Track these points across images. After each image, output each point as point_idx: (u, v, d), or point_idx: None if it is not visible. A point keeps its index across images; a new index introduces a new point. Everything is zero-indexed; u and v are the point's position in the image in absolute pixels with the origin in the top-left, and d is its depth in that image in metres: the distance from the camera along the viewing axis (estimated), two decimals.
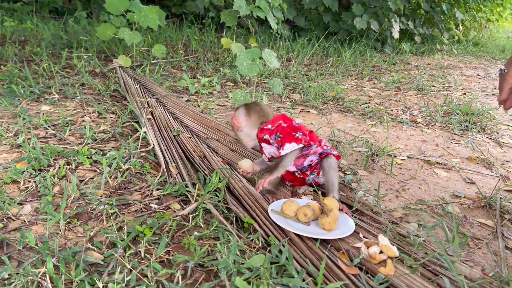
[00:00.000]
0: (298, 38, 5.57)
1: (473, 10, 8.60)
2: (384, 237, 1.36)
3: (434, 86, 4.20)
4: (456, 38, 7.87)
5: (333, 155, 1.67)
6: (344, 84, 3.90)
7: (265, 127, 1.66)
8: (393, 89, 3.88)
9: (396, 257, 1.31)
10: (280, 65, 4.27)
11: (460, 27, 8.14)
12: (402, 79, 4.32)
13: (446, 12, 7.04)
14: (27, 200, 1.52)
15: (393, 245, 1.34)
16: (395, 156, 2.24)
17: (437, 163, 2.22)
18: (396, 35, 6.05)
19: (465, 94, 4.00)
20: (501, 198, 1.83)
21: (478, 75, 5.25)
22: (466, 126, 2.86)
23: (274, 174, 1.59)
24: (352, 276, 1.20)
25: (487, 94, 4.11)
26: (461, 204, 1.81)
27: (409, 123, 2.86)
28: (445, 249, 1.42)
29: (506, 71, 1.23)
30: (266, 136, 1.64)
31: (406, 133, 2.69)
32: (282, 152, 1.59)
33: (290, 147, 1.58)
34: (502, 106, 1.30)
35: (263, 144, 1.69)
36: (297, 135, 1.60)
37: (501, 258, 1.44)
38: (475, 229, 1.63)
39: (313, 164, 1.70)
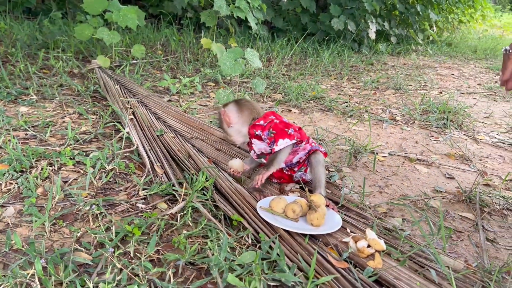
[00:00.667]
0: (277, 39, 5.61)
1: (445, 12, 8.82)
2: (371, 231, 1.38)
3: (411, 85, 4.28)
4: (431, 38, 8.06)
5: (321, 151, 1.69)
6: (324, 84, 3.95)
7: (257, 123, 1.66)
8: (371, 88, 3.95)
9: (383, 251, 1.33)
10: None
11: (434, 28, 8.34)
12: (380, 78, 4.39)
13: (420, 13, 7.19)
14: (10, 202, 1.49)
15: (380, 239, 1.36)
16: (377, 154, 2.28)
17: (417, 159, 2.27)
18: (372, 35, 6.15)
19: (441, 93, 4.09)
20: (480, 192, 1.89)
21: (453, 74, 5.39)
22: (444, 123, 2.93)
23: (270, 170, 1.59)
24: (342, 270, 1.22)
25: (462, 93, 4.22)
26: (442, 198, 1.86)
27: (389, 121, 2.91)
28: (427, 241, 1.46)
29: (511, 51, 1.25)
30: (258, 132, 1.65)
31: (387, 131, 2.74)
32: (276, 148, 1.60)
33: (283, 143, 1.59)
34: (504, 86, 1.33)
35: (253, 140, 1.69)
36: (289, 131, 1.62)
37: (483, 249, 1.49)
38: (457, 223, 1.67)
39: (301, 161, 1.71)
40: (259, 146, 1.69)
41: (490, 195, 1.88)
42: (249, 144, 1.74)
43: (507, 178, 2.07)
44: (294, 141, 1.61)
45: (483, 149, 2.55)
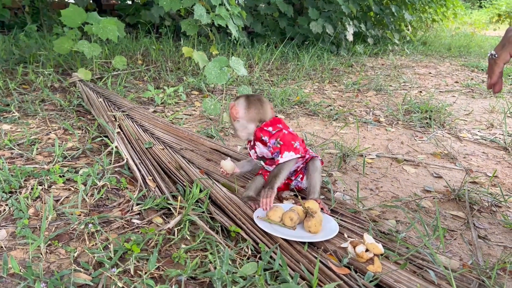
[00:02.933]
0: (256, 44, 5.63)
1: (419, 11, 9.00)
2: (369, 235, 1.40)
3: (392, 86, 4.36)
4: (407, 38, 8.21)
5: (319, 159, 1.71)
6: (306, 88, 3.98)
7: (265, 128, 1.65)
8: (353, 90, 4.00)
9: (382, 254, 1.35)
10: None
11: (409, 27, 8.50)
12: (361, 80, 4.46)
13: (395, 13, 7.33)
14: (1, 225, 1.46)
15: (378, 243, 1.38)
16: (365, 156, 2.31)
17: (405, 160, 2.31)
18: (350, 37, 6.24)
19: (421, 92, 4.18)
20: (468, 190, 1.93)
21: (430, 73, 5.50)
22: (427, 123, 2.99)
23: (275, 189, 1.55)
24: (344, 277, 1.23)
25: (441, 91, 4.31)
26: (433, 198, 1.89)
27: (373, 123, 2.95)
28: (425, 242, 1.49)
29: (496, 55, 1.28)
30: (265, 138, 1.64)
31: (372, 132, 2.78)
32: (281, 160, 1.58)
33: (288, 156, 1.59)
34: (491, 90, 1.35)
35: (258, 143, 1.68)
36: (295, 144, 1.61)
37: (476, 247, 1.52)
38: (449, 221, 1.71)
39: (298, 169, 1.72)
40: (261, 150, 1.68)
41: (478, 193, 1.93)
42: (251, 144, 1.73)
43: (492, 175, 2.12)
44: (298, 156, 1.61)
45: (466, 146, 2.61)
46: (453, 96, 4.11)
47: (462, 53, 7.97)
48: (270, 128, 1.65)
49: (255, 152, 1.72)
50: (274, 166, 1.70)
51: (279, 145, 1.60)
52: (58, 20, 3.66)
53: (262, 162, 1.72)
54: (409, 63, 6.26)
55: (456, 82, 4.91)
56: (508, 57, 1.25)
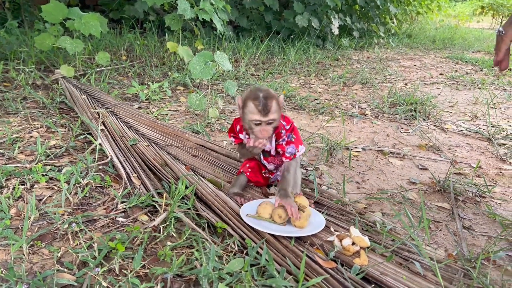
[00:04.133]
0: (242, 39, 5.60)
1: (403, 4, 9.04)
2: (355, 229, 1.40)
3: (377, 79, 4.37)
4: (393, 31, 8.24)
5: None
6: (292, 82, 3.97)
7: (281, 121, 1.62)
8: (339, 84, 4.00)
9: (368, 247, 1.36)
10: None
11: (394, 20, 8.53)
12: (347, 74, 4.46)
13: (380, 6, 7.35)
14: None
15: (364, 236, 1.39)
16: (351, 149, 2.32)
17: (390, 152, 2.32)
18: (335, 31, 6.24)
19: (406, 84, 4.20)
20: (453, 181, 1.95)
21: (415, 65, 5.54)
22: (412, 115, 3.01)
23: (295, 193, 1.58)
24: (331, 270, 1.23)
25: (426, 83, 4.34)
26: (418, 190, 1.91)
27: (359, 116, 2.96)
28: (410, 234, 1.50)
29: (504, 32, 1.28)
30: (283, 131, 1.62)
31: (358, 126, 2.79)
32: (298, 154, 1.61)
33: (302, 149, 1.63)
34: (498, 67, 1.35)
35: (273, 136, 1.65)
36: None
37: (461, 237, 1.54)
38: (434, 213, 1.72)
39: (280, 164, 1.72)
40: (272, 144, 1.67)
41: (462, 184, 1.94)
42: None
43: (476, 166, 2.14)
44: (304, 150, 1.65)
45: (451, 138, 2.63)
46: (438, 88, 4.14)
47: (447, 46, 8.04)
48: (284, 123, 1.62)
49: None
50: (273, 163, 1.70)
51: (293, 139, 1.61)
52: (40, 16, 3.59)
53: (261, 156, 1.71)
54: (395, 56, 6.29)
55: (441, 74, 4.95)
56: None
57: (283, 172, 1.59)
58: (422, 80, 4.48)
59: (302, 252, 1.30)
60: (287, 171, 1.58)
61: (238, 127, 1.67)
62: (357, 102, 3.33)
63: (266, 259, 1.23)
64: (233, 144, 1.77)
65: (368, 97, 3.54)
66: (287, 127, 1.62)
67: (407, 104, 3.21)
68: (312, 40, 6.10)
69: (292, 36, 6.10)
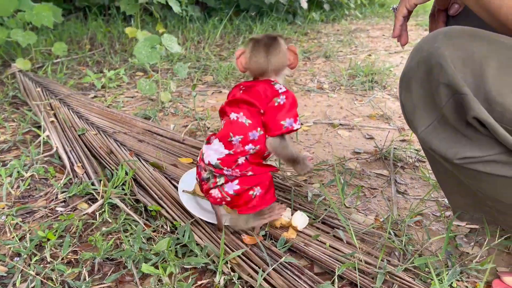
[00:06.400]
0: (209, 19, 5.55)
1: None
2: (288, 210, 1.40)
3: (342, 52, 4.38)
4: (366, 1, 8.20)
5: None
6: None
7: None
8: (302, 59, 4.01)
9: (299, 231, 1.37)
10: (192, 47, 4.25)
11: None
12: (312, 48, 4.46)
13: None
14: None
15: (302, 215, 1.38)
16: (302, 124, 2.34)
17: (340, 124, 2.35)
18: (304, 5, 6.19)
19: (370, 55, 4.21)
20: (395, 148, 1.99)
21: (384, 35, 5.53)
22: (371, 86, 3.03)
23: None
24: (254, 247, 1.27)
25: (391, 53, 4.36)
26: (363, 159, 1.95)
27: (316, 90, 2.98)
28: (343, 201, 1.55)
29: (397, 9, 1.29)
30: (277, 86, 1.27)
31: (314, 100, 2.81)
32: (295, 126, 1.24)
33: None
34: (399, 42, 1.36)
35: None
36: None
37: (393, 202, 1.59)
38: (372, 180, 1.77)
39: None
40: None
41: (404, 150, 1.99)
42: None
43: None
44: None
45: None
46: (401, 56, 4.16)
47: (419, 13, 8.01)
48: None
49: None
50: None
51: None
52: None
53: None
54: (365, 27, 6.28)
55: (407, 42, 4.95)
56: (405, 10, 1.26)
57: None
58: (387, 50, 4.50)
59: (233, 232, 1.34)
60: None
61: None
62: (315, 76, 3.35)
63: (189, 237, 1.27)
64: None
65: (328, 70, 3.55)
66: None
67: (365, 75, 3.23)
68: (281, 16, 6.06)
69: (259, 13, 6.05)
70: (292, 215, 1.38)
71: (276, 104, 1.22)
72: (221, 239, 1.20)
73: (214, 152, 1.23)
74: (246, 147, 1.22)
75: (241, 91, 1.27)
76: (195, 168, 1.35)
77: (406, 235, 1.34)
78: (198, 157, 1.32)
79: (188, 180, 1.51)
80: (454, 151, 0.85)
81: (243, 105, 1.24)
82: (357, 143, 2.13)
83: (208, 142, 1.28)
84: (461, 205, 1.14)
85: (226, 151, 1.22)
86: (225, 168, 1.22)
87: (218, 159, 1.22)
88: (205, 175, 1.27)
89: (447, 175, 1.07)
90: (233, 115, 1.24)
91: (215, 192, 1.25)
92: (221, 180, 1.24)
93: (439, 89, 0.84)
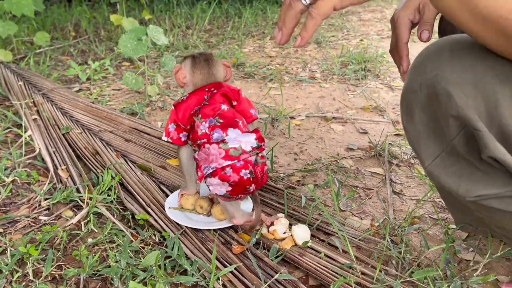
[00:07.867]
0: (197, 3, 5.40)
1: None
2: (282, 224, 1.34)
3: (334, 37, 4.29)
4: None
5: None
6: (245, 47, 3.87)
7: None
8: (293, 45, 3.91)
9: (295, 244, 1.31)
10: (179, 34, 4.13)
11: None
12: None
13: None
14: None
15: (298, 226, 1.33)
16: (293, 118, 2.28)
17: (333, 118, 2.29)
18: None
19: (362, 40, 4.13)
20: (389, 144, 1.94)
21: (376, 18, 5.44)
22: (364, 74, 2.96)
23: None
24: (246, 259, 1.22)
25: (383, 37, 4.27)
26: (357, 156, 1.89)
27: (308, 80, 2.91)
28: (337, 206, 1.49)
29: (309, 2, 0.85)
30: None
31: (305, 91, 2.74)
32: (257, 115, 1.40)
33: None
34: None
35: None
36: None
37: (388, 204, 1.54)
38: (367, 180, 1.72)
39: None
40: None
41: (399, 146, 1.94)
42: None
43: None
44: None
45: (397, 96, 2.61)
46: None
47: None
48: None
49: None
50: None
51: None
52: None
53: None
54: (357, 9, 6.16)
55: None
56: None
57: None
58: (379, 35, 4.41)
59: (224, 242, 1.29)
60: None
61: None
62: (307, 65, 3.27)
63: (178, 254, 1.21)
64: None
65: (320, 58, 3.47)
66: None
67: (357, 63, 3.16)
68: None
69: None
70: (284, 222, 1.33)
71: (243, 96, 1.36)
72: (213, 254, 1.15)
73: (243, 138, 1.21)
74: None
75: (210, 93, 1.30)
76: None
77: (403, 242, 1.30)
78: (220, 157, 1.19)
79: (173, 201, 1.45)
80: (466, 188, 0.79)
81: (222, 98, 1.30)
82: (350, 138, 2.08)
83: (223, 141, 1.20)
84: (466, 220, 1.09)
85: (247, 131, 1.26)
86: (263, 143, 1.26)
87: (254, 139, 1.22)
88: (252, 159, 1.21)
89: (454, 199, 1.01)
90: (224, 106, 1.27)
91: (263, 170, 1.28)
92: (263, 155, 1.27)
93: (447, 120, 0.76)
